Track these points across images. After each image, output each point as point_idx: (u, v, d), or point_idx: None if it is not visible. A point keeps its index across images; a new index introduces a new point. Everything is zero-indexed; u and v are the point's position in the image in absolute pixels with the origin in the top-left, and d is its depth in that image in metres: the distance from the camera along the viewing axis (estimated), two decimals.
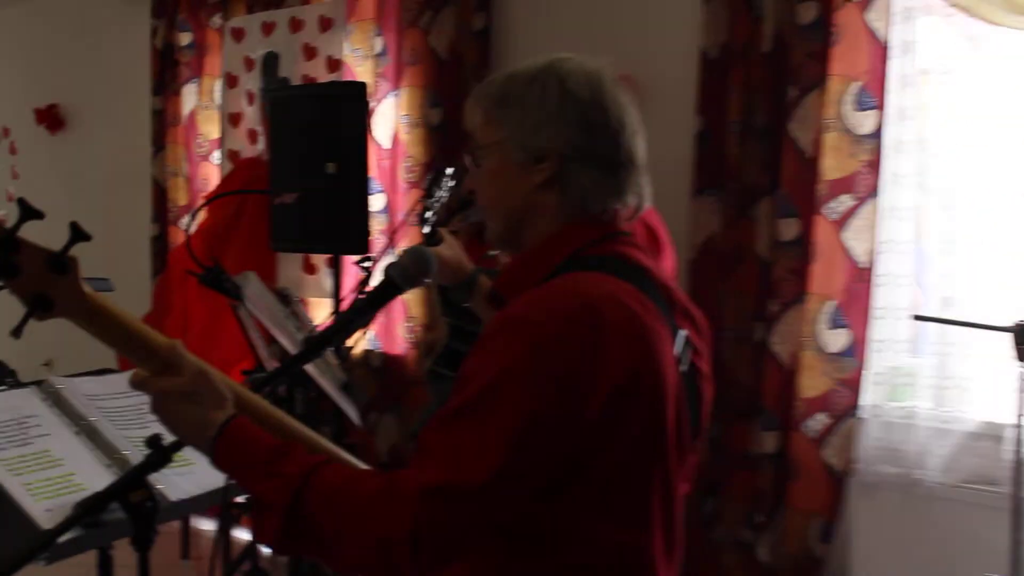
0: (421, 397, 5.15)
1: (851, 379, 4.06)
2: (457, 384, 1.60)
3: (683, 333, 1.76)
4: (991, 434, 3.85)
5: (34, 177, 7.71)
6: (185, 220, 6.29)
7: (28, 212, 1.53)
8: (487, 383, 1.55)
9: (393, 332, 5.46)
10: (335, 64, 5.60)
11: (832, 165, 4.05)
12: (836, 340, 4.07)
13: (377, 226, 5.33)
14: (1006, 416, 3.62)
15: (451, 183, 3.05)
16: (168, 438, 1.72)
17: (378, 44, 5.51)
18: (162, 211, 6.64)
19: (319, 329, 3.84)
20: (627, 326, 1.60)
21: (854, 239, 4.03)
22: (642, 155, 1.80)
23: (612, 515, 1.62)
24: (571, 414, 1.53)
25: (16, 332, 1.55)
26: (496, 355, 1.57)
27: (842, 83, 4.04)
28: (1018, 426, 3.41)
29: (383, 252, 4.88)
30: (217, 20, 6.29)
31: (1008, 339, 3.38)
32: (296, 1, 5.85)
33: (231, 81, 6.12)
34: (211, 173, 6.45)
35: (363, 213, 4.66)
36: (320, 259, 5.61)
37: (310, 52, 5.70)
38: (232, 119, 6.14)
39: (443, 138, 5.20)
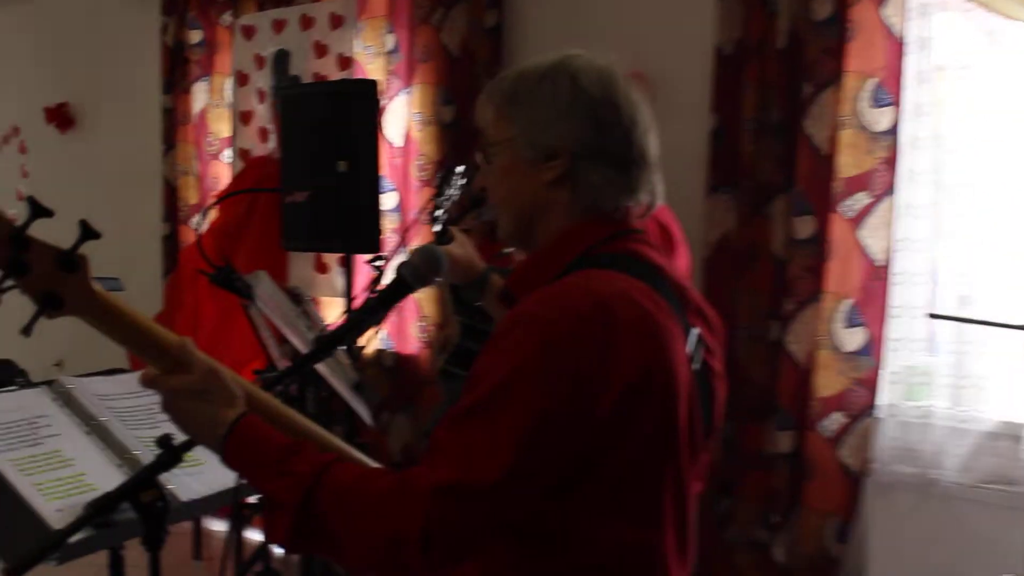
0: (434, 397, 5.15)
1: (867, 378, 4.06)
2: (468, 383, 1.60)
3: (696, 331, 1.76)
4: (1009, 433, 3.85)
5: (44, 176, 7.73)
6: (196, 219, 6.31)
7: (38, 210, 1.54)
8: (498, 382, 1.55)
9: (406, 331, 5.47)
10: (346, 62, 5.61)
11: (848, 162, 4.05)
12: (852, 339, 4.06)
13: (389, 225, 5.34)
14: None
15: (462, 181, 3.06)
16: (179, 438, 1.73)
17: (390, 41, 5.51)
18: (173, 210, 6.65)
19: (330, 328, 3.85)
20: (639, 324, 1.60)
21: (870, 237, 4.03)
22: (654, 152, 1.80)
23: (624, 514, 1.62)
24: (583, 412, 1.53)
25: (26, 330, 1.56)
26: (507, 353, 1.57)
27: (858, 79, 4.03)
28: None
29: (395, 251, 4.89)
30: (227, 18, 6.30)
31: None
32: None
33: (242, 79, 6.14)
34: (222, 172, 6.46)
35: (375, 212, 4.66)
36: (332, 258, 5.62)
37: (321, 50, 5.72)
38: (243, 117, 6.16)
39: (455, 136, 5.20)
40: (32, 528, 2.20)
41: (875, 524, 4.10)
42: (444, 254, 1.92)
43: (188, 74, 6.52)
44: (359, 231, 4.62)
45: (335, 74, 5.63)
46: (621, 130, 1.75)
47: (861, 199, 4.03)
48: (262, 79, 6.04)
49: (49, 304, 1.59)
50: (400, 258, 1.94)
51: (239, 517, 4.86)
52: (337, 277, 5.54)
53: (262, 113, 6.05)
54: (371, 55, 5.59)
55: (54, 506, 2.26)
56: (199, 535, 5.61)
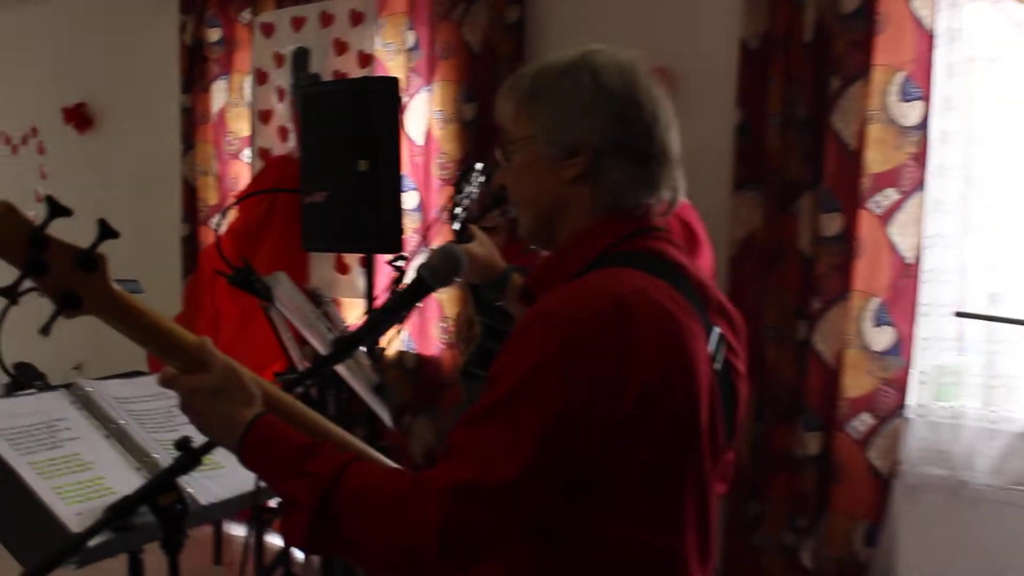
0: (456, 398, 5.16)
1: (896, 378, 4.04)
2: (488, 382, 1.61)
3: (717, 330, 1.76)
4: None
5: (62, 177, 7.77)
6: (215, 220, 6.33)
7: (56, 209, 1.56)
8: (517, 381, 1.56)
9: (427, 333, 5.48)
10: (366, 59, 5.63)
11: (876, 158, 4.04)
12: (881, 338, 4.05)
13: (410, 224, 5.35)
14: None
15: (481, 179, 3.07)
16: (198, 441, 1.74)
17: (410, 38, 5.53)
18: (192, 210, 6.69)
19: (350, 330, 3.86)
20: (659, 323, 1.61)
21: (899, 234, 4.01)
22: (676, 148, 1.80)
23: (644, 515, 1.62)
24: (602, 412, 1.54)
25: (45, 330, 1.57)
26: (526, 353, 1.58)
27: (886, 73, 4.02)
28: None
29: (416, 250, 4.89)
30: (246, 15, 6.33)
31: None
32: None
33: (261, 77, 6.17)
34: (241, 171, 6.49)
35: (396, 211, 4.67)
36: (353, 258, 5.64)
37: (341, 47, 5.74)
38: (262, 116, 6.18)
39: (477, 133, 5.21)
40: (51, 532, 2.22)
41: (904, 527, 4.08)
42: (464, 253, 1.92)
43: (207, 73, 6.56)
44: (380, 231, 4.63)
45: (355, 72, 5.65)
46: (643, 126, 1.76)
47: (890, 195, 4.02)
48: (281, 77, 6.06)
49: (67, 303, 1.61)
50: (421, 258, 1.95)
51: (259, 521, 4.88)
52: (358, 277, 5.56)
53: (281, 112, 6.07)
54: (391, 52, 5.61)
55: (73, 510, 2.28)
56: (220, 539, 5.63)
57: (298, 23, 5.94)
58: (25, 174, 8.06)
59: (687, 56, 4.53)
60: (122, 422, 2.59)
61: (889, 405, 4.06)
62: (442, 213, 4.40)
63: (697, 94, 4.41)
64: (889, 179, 4.02)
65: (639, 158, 1.76)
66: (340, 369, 3.54)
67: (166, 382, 1.74)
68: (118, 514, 1.74)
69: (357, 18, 5.66)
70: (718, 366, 1.73)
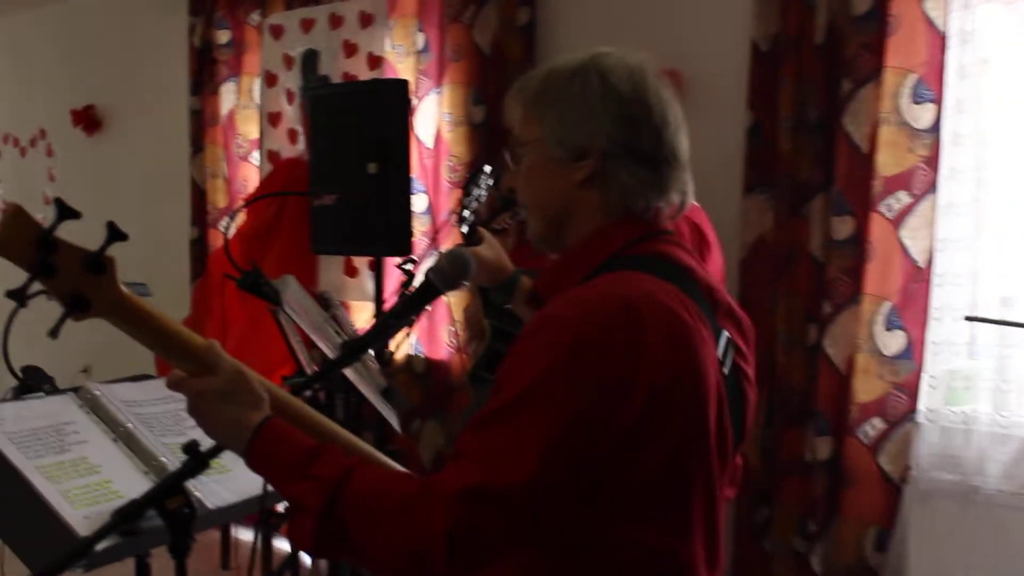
0: (465, 403, 5.17)
1: (908, 383, 4.04)
2: (495, 386, 1.62)
3: (726, 334, 1.77)
4: None
5: (71, 180, 7.80)
6: (224, 222, 6.34)
7: (65, 212, 1.57)
8: (525, 385, 1.56)
9: (436, 336, 5.48)
10: (376, 61, 5.63)
11: (888, 160, 4.03)
12: (892, 342, 4.04)
13: (420, 227, 5.36)
14: None
15: (490, 182, 3.07)
16: (205, 444, 1.75)
17: (420, 40, 5.54)
18: (201, 213, 6.69)
19: (359, 333, 3.87)
20: (667, 326, 1.61)
21: (911, 237, 4.00)
22: (685, 151, 1.81)
23: (652, 520, 1.63)
24: (609, 416, 1.54)
25: (54, 332, 1.58)
26: (534, 357, 1.58)
27: (898, 75, 4.01)
28: None
29: (426, 253, 4.90)
30: (256, 17, 6.34)
31: None
32: None
33: (270, 79, 6.18)
34: (250, 174, 6.50)
35: (405, 214, 4.67)
36: (362, 261, 5.64)
37: (350, 49, 5.74)
38: (271, 118, 6.19)
39: (487, 136, 5.21)
40: (59, 535, 2.23)
41: (915, 533, 4.07)
42: (472, 257, 1.92)
43: (216, 75, 6.57)
44: (389, 234, 4.63)
45: (365, 74, 5.65)
46: (652, 129, 1.76)
47: (902, 198, 4.01)
48: (291, 79, 6.07)
49: (76, 306, 1.62)
50: (430, 261, 1.95)
51: (267, 525, 4.88)
52: (367, 281, 5.57)
53: (291, 114, 6.08)
54: (401, 54, 5.62)
55: (81, 513, 2.29)
56: (227, 543, 5.64)
57: (307, 25, 5.95)
58: (34, 176, 8.09)
59: (698, 58, 4.53)
60: (130, 425, 2.60)
61: (900, 410, 4.05)
62: (451, 216, 4.40)
63: (708, 96, 4.42)
64: (901, 182, 4.01)
65: (648, 161, 1.76)
66: (348, 373, 3.55)
67: (174, 385, 1.75)
68: (126, 518, 1.75)
69: (367, 20, 5.67)
70: (727, 370, 1.73)
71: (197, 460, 1.74)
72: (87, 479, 2.41)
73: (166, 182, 7.03)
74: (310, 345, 3.86)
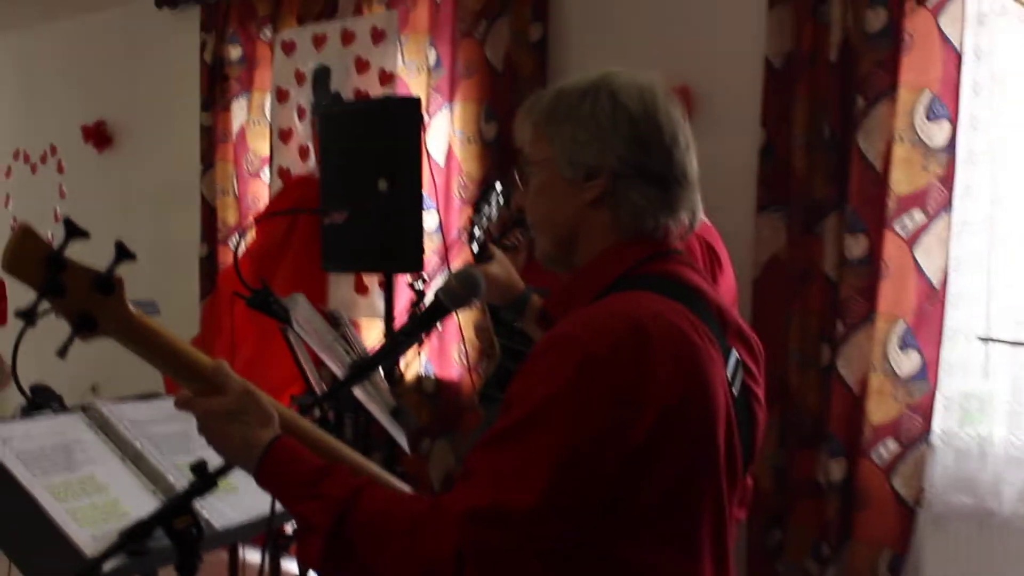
0: (475, 422, 5.16)
1: (922, 404, 4.03)
2: (504, 405, 1.63)
3: (735, 354, 1.77)
4: None
5: (81, 196, 7.82)
6: (234, 240, 6.36)
7: (73, 231, 1.58)
8: (534, 405, 1.57)
9: (447, 356, 5.49)
10: (388, 77, 5.65)
11: (902, 179, 4.03)
12: (907, 362, 4.04)
13: (431, 245, 5.36)
14: None
15: (500, 199, 3.08)
16: (213, 464, 1.76)
17: (432, 56, 5.55)
18: (211, 230, 6.70)
19: (369, 352, 3.87)
20: (676, 347, 1.61)
21: (926, 256, 4.00)
22: (695, 171, 1.82)
23: (661, 541, 1.63)
24: (618, 436, 1.55)
25: (62, 352, 1.59)
26: (543, 377, 1.59)
27: (913, 92, 4.02)
28: None
29: (437, 271, 4.91)
30: (267, 33, 6.36)
31: None
32: (348, 13, 5.90)
33: (281, 96, 6.20)
34: (261, 191, 6.51)
35: (416, 231, 4.68)
36: (372, 279, 5.65)
37: (362, 65, 5.76)
38: (282, 135, 6.21)
39: (498, 153, 5.22)
40: (66, 555, 2.23)
41: (930, 557, 4.05)
42: (482, 275, 1.94)
43: (227, 91, 6.59)
44: (400, 251, 4.64)
45: (376, 90, 5.66)
46: (662, 148, 1.77)
47: (916, 217, 4.02)
48: (302, 96, 6.09)
49: (84, 326, 1.63)
50: (441, 278, 1.97)
51: (275, 545, 4.88)
52: (378, 299, 5.57)
53: (302, 131, 6.09)
54: (413, 70, 5.63)
55: (88, 532, 2.30)
56: (235, 564, 5.63)
57: (319, 41, 5.97)
58: (44, 193, 8.12)
59: (711, 76, 4.54)
60: (138, 444, 2.61)
61: (914, 431, 4.04)
62: (461, 234, 4.41)
63: (721, 114, 4.43)
64: (915, 200, 4.02)
65: (658, 181, 1.77)
66: (357, 392, 3.55)
67: (182, 405, 1.77)
68: (133, 537, 1.75)
69: (378, 36, 5.69)
70: (736, 390, 1.74)
71: (205, 480, 1.75)
72: (94, 498, 2.41)
73: (176, 198, 7.04)
74: (320, 364, 3.87)
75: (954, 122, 3.96)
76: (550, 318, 1.86)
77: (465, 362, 5.37)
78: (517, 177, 1.89)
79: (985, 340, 3.74)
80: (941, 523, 4.04)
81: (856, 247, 4.13)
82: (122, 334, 1.68)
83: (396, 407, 3.69)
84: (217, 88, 6.64)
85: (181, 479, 2.54)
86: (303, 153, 6.08)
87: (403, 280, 5.09)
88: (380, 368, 1.92)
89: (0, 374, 5.03)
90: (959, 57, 3.95)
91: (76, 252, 1.61)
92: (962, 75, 3.96)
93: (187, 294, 6.73)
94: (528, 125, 1.86)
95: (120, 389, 3.53)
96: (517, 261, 3.39)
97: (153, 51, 7.28)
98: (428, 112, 5.45)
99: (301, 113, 6.09)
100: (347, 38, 5.84)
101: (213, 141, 6.67)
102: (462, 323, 5.19)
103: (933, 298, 4.00)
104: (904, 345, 4.03)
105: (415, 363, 5.30)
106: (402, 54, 5.67)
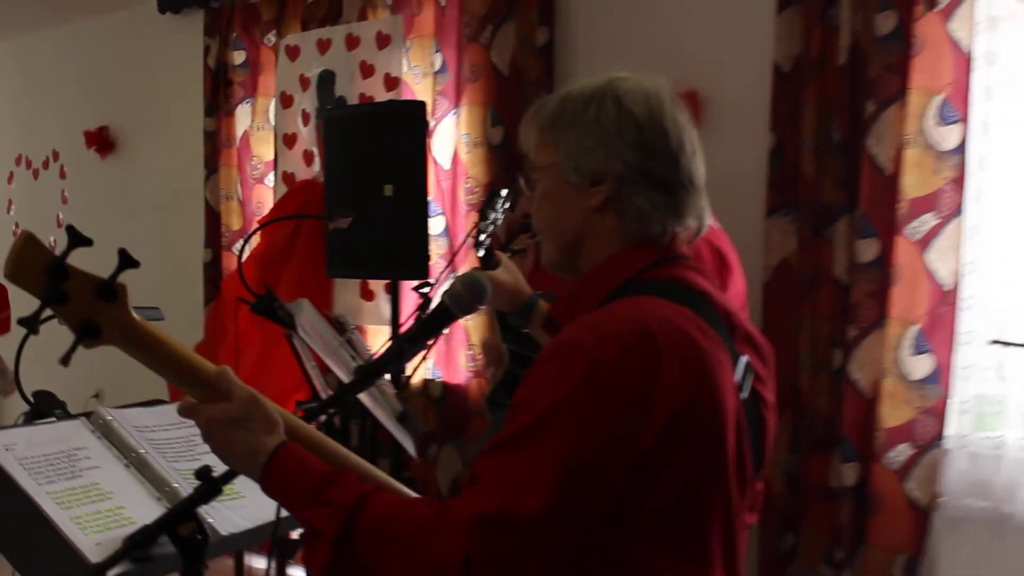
0: (482, 428, 5.17)
1: (935, 408, 4.02)
2: (511, 410, 1.63)
3: (744, 359, 1.78)
4: None
5: (84, 202, 7.84)
6: (239, 245, 6.37)
7: (76, 239, 1.59)
8: (541, 411, 1.58)
9: (454, 361, 5.49)
10: (393, 82, 5.65)
11: (913, 183, 4.03)
12: (919, 366, 4.03)
13: (437, 250, 5.37)
14: None
15: (506, 205, 3.09)
16: (218, 470, 1.77)
17: (437, 60, 5.56)
18: (215, 236, 6.72)
19: (374, 358, 3.88)
20: (684, 351, 1.62)
21: (938, 260, 4.00)
22: (702, 176, 1.82)
23: (670, 546, 1.63)
24: (626, 442, 1.56)
25: (65, 360, 1.60)
26: (549, 382, 1.60)
27: (923, 96, 4.01)
28: None
29: (443, 277, 4.91)
30: (271, 38, 6.38)
31: None
32: (352, 17, 5.91)
33: (286, 100, 6.20)
34: (265, 196, 6.53)
35: (422, 237, 4.69)
36: (378, 285, 5.65)
37: (367, 70, 5.76)
38: (287, 140, 6.22)
39: (504, 158, 5.22)
40: (70, 562, 2.24)
41: (944, 562, 4.05)
42: (488, 280, 1.94)
43: (231, 96, 6.61)
44: (406, 257, 4.65)
45: (381, 95, 5.67)
46: (668, 154, 1.78)
47: (927, 221, 4.01)
48: (306, 100, 6.09)
49: (87, 334, 1.64)
50: (447, 284, 1.97)
51: (281, 552, 4.89)
52: (383, 304, 5.57)
53: (306, 135, 6.10)
54: (418, 75, 5.64)
55: (93, 539, 2.30)
56: (240, 570, 5.65)
57: (324, 46, 5.98)
58: (47, 198, 8.14)
59: (719, 80, 4.54)
60: (142, 451, 2.62)
61: (928, 435, 4.03)
62: (467, 239, 4.42)
63: (730, 118, 4.43)
64: (927, 204, 4.01)
65: (664, 186, 1.78)
66: (363, 398, 3.56)
67: (186, 411, 1.77)
68: (137, 544, 1.76)
69: (384, 41, 5.69)
70: (745, 395, 1.75)
71: (210, 486, 1.76)
72: (99, 505, 2.42)
73: (180, 204, 7.06)
74: (325, 370, 3.88)
75: (965, 125, 3.96)
76: (556, 323, 1.87)
77: (473, 367, 5.38)
78: (523, 182, 1.90)
79: (998, 343, 3.74)
80: (956, 527, 4.03)
81: (867, 251, 4.12)
82: (125, 342, 1.68)
83: (403, 412, 3.70)
84: (221, 93, 6.66)
85: (186, 486, 2.55)
86: (308, 158, 6.09)
87: (409, 286, 5.10)
88: (386, 373, 1.92)
89: (3, 381, 5.05)
90: (969, 61, 3.95)
91: (79, 257, 1.61)
92: (974, 79, 3.95)
93: (191, 300, 6.75)
94: (534, 130, 1.87)
95: (124, 396, 3.53)
96: (524, 265, 3.40)
97: (156, 56, 7.30)
98: (434, 116, 5.46)
99: (305, 118, 6.10)
100: (352, 43, 5.84)
101: (217, 146, 6.69)
102: (470, 328, 5.21)
103: (945, 302, 3.99)
104: (917, 349, 4.02)
105: (422, 368, 5.30)
106: (407, 58, 5.67)
